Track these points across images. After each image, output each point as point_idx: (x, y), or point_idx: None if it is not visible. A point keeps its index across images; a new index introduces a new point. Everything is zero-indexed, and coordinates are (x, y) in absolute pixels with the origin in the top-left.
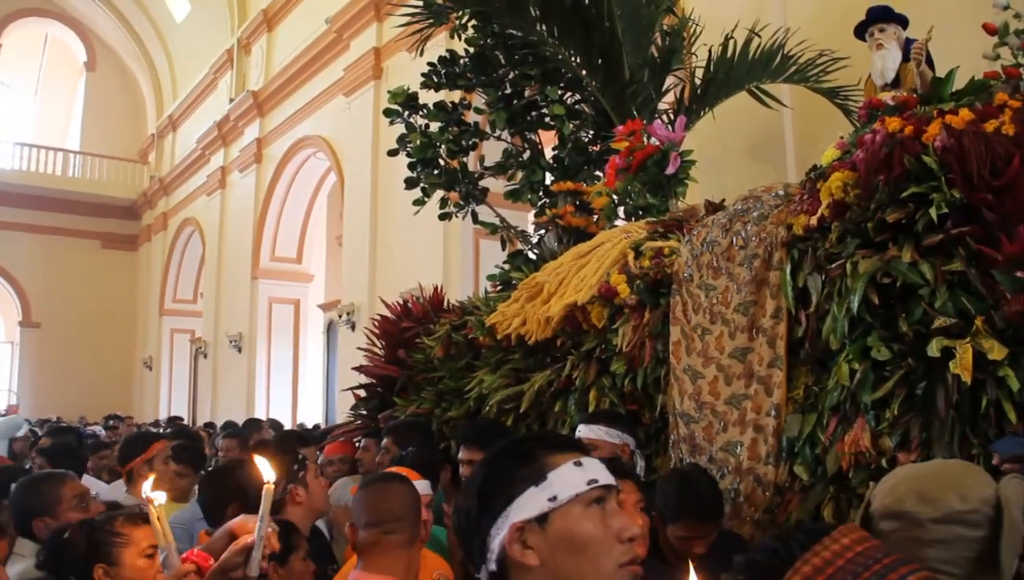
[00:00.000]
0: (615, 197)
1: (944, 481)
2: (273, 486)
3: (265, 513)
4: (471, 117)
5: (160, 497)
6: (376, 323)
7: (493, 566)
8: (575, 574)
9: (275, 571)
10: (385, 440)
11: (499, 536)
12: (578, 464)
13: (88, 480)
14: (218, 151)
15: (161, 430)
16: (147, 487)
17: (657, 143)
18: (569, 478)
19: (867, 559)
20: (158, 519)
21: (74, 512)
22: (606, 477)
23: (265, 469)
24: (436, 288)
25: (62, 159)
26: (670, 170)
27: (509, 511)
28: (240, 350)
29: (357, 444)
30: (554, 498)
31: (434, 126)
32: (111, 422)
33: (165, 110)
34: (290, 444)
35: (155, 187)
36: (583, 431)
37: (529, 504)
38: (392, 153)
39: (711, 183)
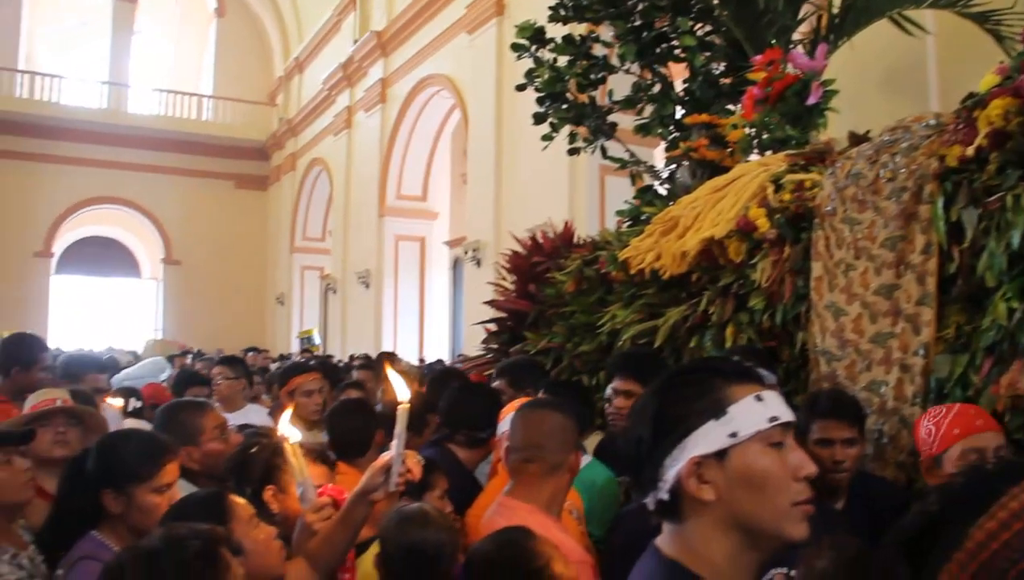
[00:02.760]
0: (752, 130)
1: None
2: (408, 405)
3: (401, 431)
4: (599, 50)
5: (295, 434)
6: (507, 258)
7: (665, 495)
8: (751, 510)
9: None
10: (497, 382)
11: (675, 467)
12: (759, 399)
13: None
14: (343, 92)
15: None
16: (283, 423)
17: (797, 73)
18: (750, 414)
19: None
20: (294, 455)
21: (215, 443)
22: (787, 414)
23: (400, 388)
24: (567, 223)
25: (196, 103)
26: (811, 100)
27: (686, 443)
28: (368, 286)
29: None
30: (735, 434)
31: (562, 60)
32: (249, 354)
33: (292, 53)
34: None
35: (283, 128)
36: None
37: (708, 438)
38: (520, 88)
39: (848, 115)
